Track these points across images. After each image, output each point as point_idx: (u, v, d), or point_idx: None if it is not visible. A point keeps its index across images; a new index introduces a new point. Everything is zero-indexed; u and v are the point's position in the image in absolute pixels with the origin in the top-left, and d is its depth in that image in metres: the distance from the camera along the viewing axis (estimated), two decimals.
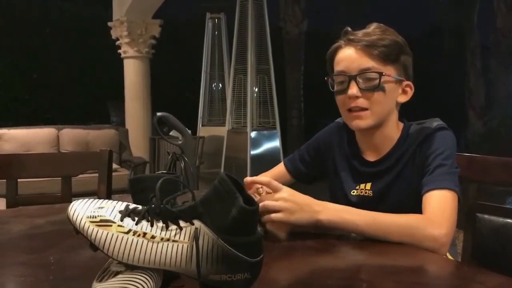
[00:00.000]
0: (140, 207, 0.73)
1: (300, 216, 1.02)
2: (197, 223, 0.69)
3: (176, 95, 10.19)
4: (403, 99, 1.24)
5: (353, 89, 1.18)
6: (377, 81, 1.17)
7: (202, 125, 7.30)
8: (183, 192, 0.74)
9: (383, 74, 1.17)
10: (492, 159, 1.45)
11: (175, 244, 0.69)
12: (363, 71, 1.18)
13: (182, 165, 1.64)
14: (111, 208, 0.71)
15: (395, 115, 1.25)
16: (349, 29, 1.23)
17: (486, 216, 1.44)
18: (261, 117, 6.15)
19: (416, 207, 1.09)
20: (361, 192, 1.26)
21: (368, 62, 1.17)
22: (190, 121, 6.39)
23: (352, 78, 1.18)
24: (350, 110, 1.21)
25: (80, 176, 1.86)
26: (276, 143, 6.09)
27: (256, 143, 5.97)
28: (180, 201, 0.74)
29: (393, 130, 1.25)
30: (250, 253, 0.69)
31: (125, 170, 5.96)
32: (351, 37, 1.20)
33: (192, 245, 0.68)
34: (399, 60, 1.20)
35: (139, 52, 6.98)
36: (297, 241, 1.05)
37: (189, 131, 1.82)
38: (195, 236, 0.68)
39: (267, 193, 1.06)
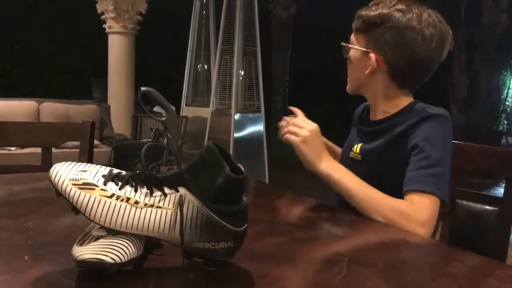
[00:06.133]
0: (124, 172, 0.71)
1: (307, 152, 1.15)
2: (182, 190, 0.68)
3: (160, 74, 10.08)
4: (369, 70, 1.23)
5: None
6: (346, 50, 1.29)
7: (186, 105, 7.22)
8: (168, 159, 0.73)
9: (344, 45, 1.29)
10: (473, 146, 1.47)
11: (159, 211, 0.68)
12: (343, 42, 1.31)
13: (165, 141, 1.62)
14: (94, 172, 0.70)
15: (375, 87, 1.26)
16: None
17: (464, 202, 1.47)
18: (246, 99, 6.11)
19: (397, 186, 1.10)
20: (353, 155, 1.29)
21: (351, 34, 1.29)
22: (173, 101, 6.32)
23: None
24: None
25: (60, 150, 1.83)
26: (260, 127, 6.07)
27: (240, 125, 5.94)
28: (163, 170, 0.73)
29: (390, 106, 1.25)
30: (235, 222, 0.69)
31: (106, 146, 5.89)
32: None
33: (176, 212, 0.67)
34: (371, 31, 1.22)
35: (124, 28, 6.86)
36: (278, 217, 1.06)
37: (174, 108, 1.80)
38: (180, 203, 0.67)
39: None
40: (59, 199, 1.09)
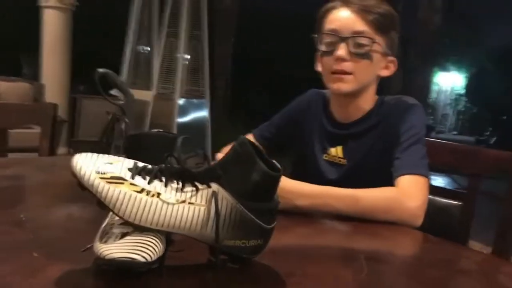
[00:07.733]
0: (150, 166, 0.67)
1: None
2: (214, 186, 0.66)
3: (97, 53, 9.67)
4: (384, 73, 1.23)
5: (342, 51, 1.15)
6: (368, 47, 1.15)
7: None
8: (197, 153, 0.70)
9: (375, 41, 1.16)
10: (440, 143, 1.54)
11: (191, 207, 0.65)
12: (355, 34, 1.15)
13: (123, 127, 1.55)
14: (119, 165, 0.65)
15: (373, 88, 1.25)
16: None
17: (430, 196, 1.54)
18: (190, 84, 6.00)
19: (390, 181, 1.10)
20: (334, 159, 1.25)
21: (362, 26, 1.15)
22: None
23: (343, 39, 1.16)
24: (334, 72, 1.18)
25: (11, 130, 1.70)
26: (204, 113, 5.99)
27: (183, 111, 5.83)
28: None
29: (368, 102, 1.25)
30: (266, 219, 0.68)
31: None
32: None
33: (210, 209, 0.65)
34: (389, 33, 1.19)
35: (61, 2, 6.49)
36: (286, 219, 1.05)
37: (132, 92, 1.73)
38: (215, 198, 0.64)
39: None
40: (39, 190, 1.02)
